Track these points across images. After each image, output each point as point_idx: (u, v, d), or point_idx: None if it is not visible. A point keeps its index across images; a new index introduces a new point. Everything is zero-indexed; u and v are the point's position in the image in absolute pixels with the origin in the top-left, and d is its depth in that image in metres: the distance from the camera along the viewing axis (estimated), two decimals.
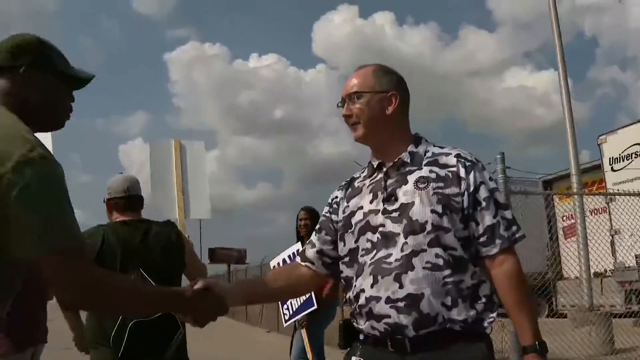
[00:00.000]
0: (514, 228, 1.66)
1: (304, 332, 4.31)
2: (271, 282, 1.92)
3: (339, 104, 1.80)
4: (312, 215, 4.45)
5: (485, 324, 1.63)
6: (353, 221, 1.74)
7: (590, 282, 8.08)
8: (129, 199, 2.83)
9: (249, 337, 13.93)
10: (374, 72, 1.78)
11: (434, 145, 1.78)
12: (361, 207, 1.74)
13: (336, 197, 1.87)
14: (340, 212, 1.82)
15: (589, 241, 7.97)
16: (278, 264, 4.45)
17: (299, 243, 4.33)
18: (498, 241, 1.63)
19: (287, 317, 4.36)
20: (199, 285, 1.63)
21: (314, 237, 1.90)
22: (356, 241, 1.72)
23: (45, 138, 2.57)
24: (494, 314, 1.64)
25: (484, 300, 1.64)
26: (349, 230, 1.75)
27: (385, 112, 1.74)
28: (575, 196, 8.09)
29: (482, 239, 1.64)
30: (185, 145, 4.40)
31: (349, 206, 1.78)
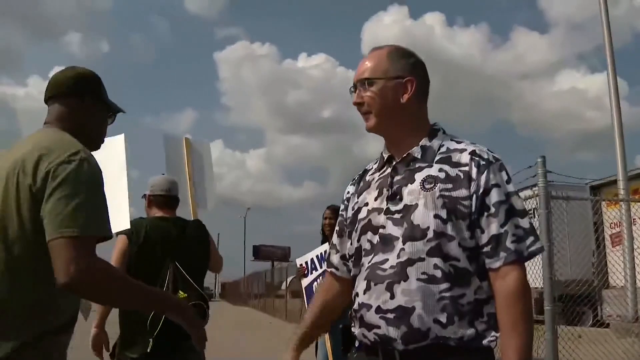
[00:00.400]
0: (529, 240, 1.46)
1: (326, 336, 4.19)
2: (327, 308, 1.78)
3: (351, 90, 1.63)
4: (337, 214, 4.41)
5: (485, 342, 1.45)
6: (358, 218, 1.61)
7: (635, 292, 7.81)
8: (169, 198, 3.14)
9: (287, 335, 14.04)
10: (389, 54, 1.60)
11: (451, 139, 1.59)
12: (366, 204, 1.60)
13: (348, 192, 1.75)
14: (349, 208, 1.69)
15: (635, 250, 7.70)
16: (306, 262, 4.48)
17: (327, 243, 4.30)
18: (502, 254, 1.44)
19: None
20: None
21: (335, 240, 1.77)
22: (358, 240, 1.60)
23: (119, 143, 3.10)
24: (498, 334, 1.45)
25: (486, 318, 1.46)
26: (354, 228, 1.62)
27: (399, 100, 1.56)
28: (622, 203, 7.83)
29: (485, 249, 1.46)
30: (194, 143, 4.50)
31: (357, 202, 1.65)
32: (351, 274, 1.67)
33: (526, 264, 1.47)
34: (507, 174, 1.52)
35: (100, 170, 1.62)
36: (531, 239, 1.46)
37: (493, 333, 1.46)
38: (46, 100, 1.82)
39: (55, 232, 1.45)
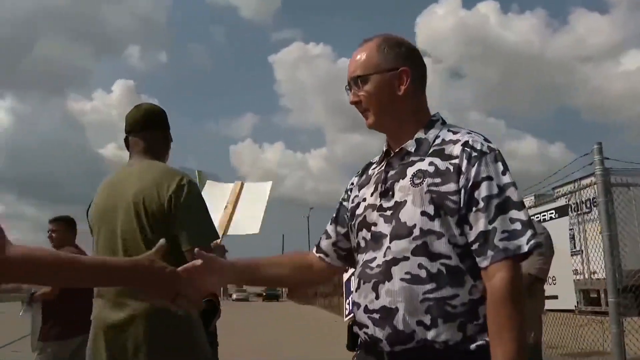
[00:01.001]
0: (522, 236, 1.32)
1: None
2: (275, 265, 1.71)
3: (346, 88, 1.57)
4: None
5: (473, 346, 1.34)
6: (356, 213, 1.55)
7: None
8: None
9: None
10: (379, 46, 1.51)
11: (448, 130, 1.49)
12: (364, 199, 1.54)
13: (352, 183, 1.67)
14: (350, 199, 1.62)
15: None
16: None
17: None
18: (490, 252, 1.32)
19: (347, 312, 4.37)
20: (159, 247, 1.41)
21: (329, 227, 1.71)
22: (356, 236, 1.54)
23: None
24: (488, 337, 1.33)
25: (481, 320, 1.34)
26: (353, 223, 1.56)
27: (396, 92, 1.49)
28: None
29: (474, 247, 1.35)
30: (246, 185, 4.07)
31: (358, 195, 1.58)
32: (342, 264, 1.68)
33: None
34: (504, 164, 1.40)
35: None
36: (524, 236, 1.32)
37: (486, 336, 1.32)
38: (128, 132, 2.21)
39: (195, 243, 1.83)
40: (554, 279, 7.79)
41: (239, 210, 3.90)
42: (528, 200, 9.62)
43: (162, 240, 1.43)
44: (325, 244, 1.70)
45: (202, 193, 3.28)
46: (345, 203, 1.65)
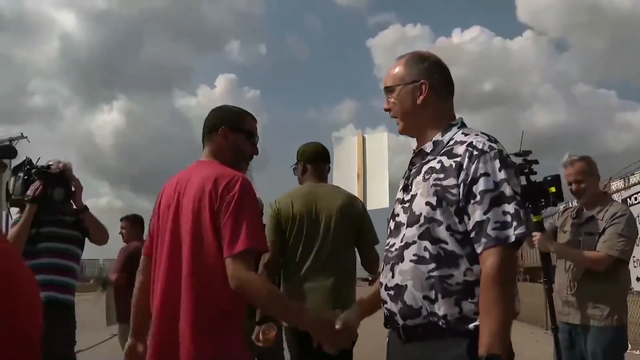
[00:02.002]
0: (510, 227, 1.51)
1: None
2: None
3: (385, 95, 1.82)
4: None
5: (471, 326, 1.53)
6: (393, 207, 1.81)
7: None
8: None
9: None
10: (406, 62, 1.76)
11: (462, 133, 1.69)
12: (397, 195, 1.80)
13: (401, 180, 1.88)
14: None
15: None
16: None
17: None
18: (483, 240, 1.52)
19: None
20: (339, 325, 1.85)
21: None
22: (388, 228, 1.78)
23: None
24: None
25: (477, 299, 1.54)
26: (390, 216, 1.81)
27: (416, 101, 1.72)
28: None
29: (472, 235, 1.55)
30: (367, 137, 4.83)
31: (397, 195, 1.81)
32: None
33: None
34: (503, 161, 1.57)
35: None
36: (512, 227, 1.51)
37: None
38: (306, 160, 3.25)
39: (372, 245, 3.18)
40: None
41: (369, 180, 4.73)
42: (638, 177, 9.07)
43: (352, 312, 1.95)
44: None
45: (335, 157, 4.43)
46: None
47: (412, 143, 1.82)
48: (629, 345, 7.09)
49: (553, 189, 3.20)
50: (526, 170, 3.26)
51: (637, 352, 7.26)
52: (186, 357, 1.83)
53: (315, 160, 3.24)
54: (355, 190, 4.41)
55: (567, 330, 3.27)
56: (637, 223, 7.27)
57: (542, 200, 3.23)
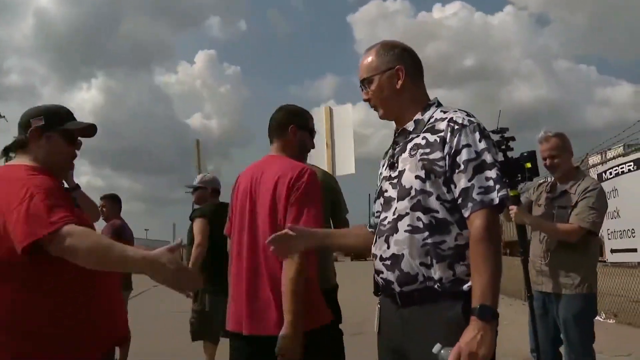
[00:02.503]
0: (494, 190, 1.65)
1: None
2: (344, 236, 2.19)
3: (360, 87, 1.91)
4: None
5: (465, 287, 1.66)
6: (378, 185, 1.93)
7: None
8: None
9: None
10: (377, 52, 1.86)
11: (440, 110, 1.81)
12: (381, 174, 1.92)
13: (382, 159, 1.99)
14: (378, 178, 1.98)
15: None
16: None
17: None
18: (470, 204, 1.65)
19: None
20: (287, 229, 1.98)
21: (374, 204, 2.01)
22: (375, 203, 1.93)
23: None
24: None
25: (467, 261, 1.66)
26: (376, 193, 1.93)
27: (395, 87, 1.83)
28: None
29: (459, 201, 1.68)
30: (334, 109, 5.31)
31: (381, 172, 1.95)
32: None
33: None
34: (481, 133, 1.71)
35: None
36: (495, 190, 1.65)
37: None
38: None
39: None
40: (632, 231, 7.66)
41: (337, 149, 5.17)
42: (616, 151, 9.30)
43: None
44: (372, 219, 2.02)
45: (336, 126, 4.77)
46: (378, 183, 1.99)
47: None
48: (602, 313, 7.39)
49: (528, 165, 3.34)
50: (503, 147, 3.40)
51: (611, 321, 7.55)
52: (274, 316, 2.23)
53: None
54: (324, 158, 5.00)
55: (541, 299, 3.44)
56: (613, 197, 7.48)
57: (519, 175, 3.37)
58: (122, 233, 5.31)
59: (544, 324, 3.42)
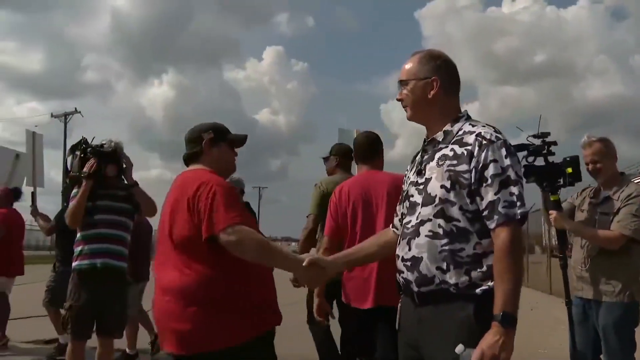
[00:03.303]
0: (516, 206, 1.75)
1: None
2: (366, 248, 2.29)
3: (398, 86, 2.01)
4: None
5: (478, 290, 1.77)
6: (404, 189, 2.05)
7: None
8: None
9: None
10: (420, 59, 1.97)
11: (469, 124, 1.90)
12: (409, 178, 2.03)
13: (407, 169, 2.11)
14: (404, 181, 2.11)
15: None
16: None
17: None
18: (496, 217, 1.75)
19: None
20: (308, 259, 2.16)
21: (398, 206, 2.16)
22: (402, 207, 2.04)
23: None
24: (492, 283, 1.74)
25: (485, 269, 1.77)
26: (403, 197, 2.05)
27: (427, 96, 1.93)
28: None
29: (484, 213, 1.78)
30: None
31: (408, 176, 2.05)
32: None
33: None
34: (507, 149, 1.81)
35: None
36: (517, 205, 1.75)
37: (489, 282, 1.75)
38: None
39: None
40: None
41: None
42: None
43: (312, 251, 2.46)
44: (396, 220, 2.19)
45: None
46: (404, 185, 2.11)
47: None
48: None
49: (569, 170, 3.32)
50: (544, 152, 3.39)
51: None
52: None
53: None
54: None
55: (581, 305, 3.42)
56: None
57: (559, 180, 3.36)
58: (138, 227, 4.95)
59: (584, 331, 3.40)
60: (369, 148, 3.38)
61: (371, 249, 2.28)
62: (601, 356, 3.37)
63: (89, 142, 4.05)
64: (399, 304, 2.03)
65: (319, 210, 3.89)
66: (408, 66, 1.99)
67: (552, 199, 3.38)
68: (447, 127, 1.93)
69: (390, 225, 2.25)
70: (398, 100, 2.01)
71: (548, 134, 3.42)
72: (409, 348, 1.95)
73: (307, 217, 4.09)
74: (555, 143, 3.42)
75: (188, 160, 2.47)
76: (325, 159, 4.53)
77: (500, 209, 1.75)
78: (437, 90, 1.93)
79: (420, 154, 2.01)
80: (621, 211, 3.24)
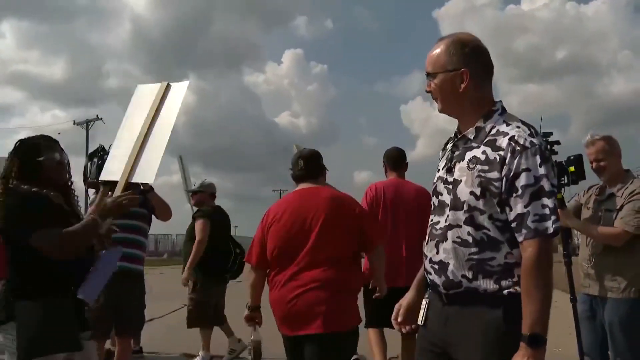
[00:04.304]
0: (549, 220, 1.64)
1: None
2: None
3: (426, 77, 1.89)
4: None
5: (506, 292, 1.70)
6: (433, 181, 1.93)
7: None
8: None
9: None
10: (447, 48, 1.82)
11: (503, 121, 1.77)
12: (438, 170, 1.92)
13: (439, 157, 1.98)
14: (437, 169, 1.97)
15: None
16: None
17: None
18: (524, 231, 1.66)
19: None
20: None
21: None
22: (431, 199, 1.93)
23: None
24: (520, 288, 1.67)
25: (516, 279, 1.70)
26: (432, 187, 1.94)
27: (457, 89, 1.80)
28: None
29: (513, 225, 1.69)
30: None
31: (438, 166, 1.94)
32: None
33: None
34: (543, 157, 1.68)
35: None
36: (549, 220, 1.65)
37: (518, 287, 1.68)
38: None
39: None
40: None
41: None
42: None
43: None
44: None
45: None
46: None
47: None
48: None
49: (572, 169, 3.36)
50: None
51: None
52: None
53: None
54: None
55: (588, 301, 3.44)
56: None
57: (562, 179, 3.40)
58: None
59: (592, 327, 3.42)
60: (400, 158, 4.52)
61: None
62: (609, 352, 3.39)
63: (107, 149, 4.19)
64: (426, 299, 1.96)
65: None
66: (435, 54, 1.84)
67: None
68: (480, 124, 1.80)
69: None
70: (427, 92, 1.89)
71: (550, 133, 3.47)
72: (432, 345, 1.90)
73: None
74: (558, 142, 3.47)
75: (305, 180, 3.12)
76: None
77: (529, 222, 1.65)
78: (468, 83, 1.79)
79: (450, 148, 1.90)
80: (624, 208, 3.26)
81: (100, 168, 4.07)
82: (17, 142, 2.56)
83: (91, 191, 4.51)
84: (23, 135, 4.47)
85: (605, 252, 3.32)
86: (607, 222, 3.33)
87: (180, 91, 2.89)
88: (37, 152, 2.51)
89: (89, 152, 4.55)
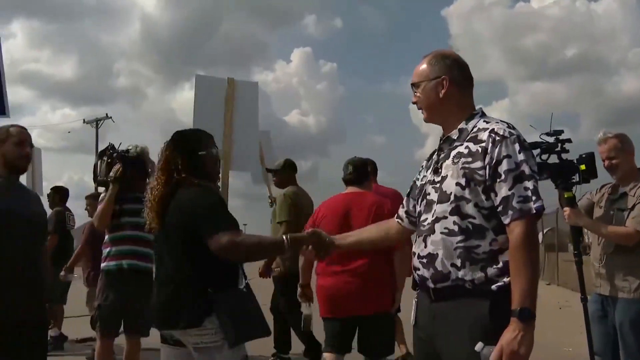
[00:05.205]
0: (531, 201, 1.75)
1: None
2: (365, 232, 2.42)
3: (413, 89, 2.04)
4: None
5: (494, 287, 1.78)
6: (419, 185, 2.05)
7: None
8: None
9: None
10: (429, 61, 1.99)
11: (483, 120, 1.91)
12: (425, 176, 2.03)
13: (421, 166, 2.12)
14: (419, 179, 2.08)
15: None
16: None
17: None
18: (510, 212, 1.75)
19: None
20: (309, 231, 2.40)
21: (404, 199, 2.22)
22: (419, 205, 2.02)
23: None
24: (507, 279, 1.76)
25: (500, 265, 1.79)
26: (420, 194, 2.03)
27: (439, 95, 1.94)
28: None
29: (499, 209, 1.78)
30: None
31: (425, 175, 2.03)
32: (412, 228, 2.15)
33: None
34: (521, 144, 1.81)
35: None
36: (532, 200, 1.75)
37: (505, 278, 1.77)
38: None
39: None
40: None
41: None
42: None
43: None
44: (401, 211, 2.23)
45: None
46: (417, 181, 2.13)
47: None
48: None
49: (583, 167, 3.32)
50: (557, 149, 3.39)
51: None
52: None
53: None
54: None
55: (599, 301, 3.41)
56: None
57: (574, 177, 3.37)
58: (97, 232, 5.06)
59: (603, 327, 3.38)
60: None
61: (370, 234, 2.40)
62: (620, 352, 3.36)
63: (116, 148, 4.21)
64: (415, 299, 2.06)
65: (290, 217, 4.82)
66: (419, 68, 2.01)
67: (565, 196, 3.38)
68: (462, 125, 1.93)
69: (395, 216, 2.29)
70: (413, 103, 2.04)
71: (562, 131, 3.42)
72: (424, 343, 1.99)
73: (279, 223, 4.89)
74: (569, 140, 3.43)
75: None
76: (276, 172, 5.28)
77: (514, 204, 1.75)
78: (448, 88, 1.93)
79: (436, 152, 2.03)
80: (636, 207, 3.22)
81: (109, 166, 4.10)
82: (175, 135, 2.54)
83: (101, 189, 4.52)
84: (34, 134, 4.48)
85: (617, 251, 3.28)
86: (619, 221, 3.29)
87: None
88: (199, 145, 2.51)
89: (99, 150, 4.58)
